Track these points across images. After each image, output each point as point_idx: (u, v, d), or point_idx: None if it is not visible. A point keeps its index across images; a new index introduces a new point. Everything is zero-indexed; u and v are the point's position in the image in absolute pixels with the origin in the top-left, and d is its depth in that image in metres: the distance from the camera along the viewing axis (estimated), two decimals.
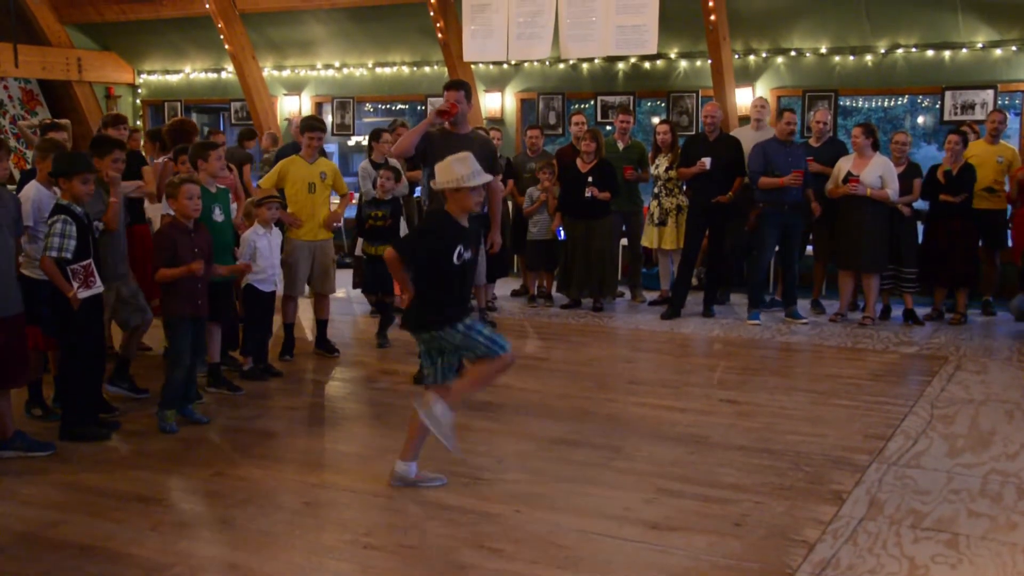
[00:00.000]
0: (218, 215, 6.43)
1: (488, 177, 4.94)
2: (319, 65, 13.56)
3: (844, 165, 8.94)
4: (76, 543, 4.30)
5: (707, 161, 9.12)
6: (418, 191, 10.82)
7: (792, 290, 9.28)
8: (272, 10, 12.87)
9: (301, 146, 7.88)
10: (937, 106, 10.59)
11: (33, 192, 5.88)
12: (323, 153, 8.63)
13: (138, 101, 15.28)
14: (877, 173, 8.73)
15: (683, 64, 11.43)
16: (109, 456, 5.50)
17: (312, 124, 7.78)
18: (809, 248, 9.63)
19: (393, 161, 9.28)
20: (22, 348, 5.42)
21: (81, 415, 5.74)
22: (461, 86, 6.74)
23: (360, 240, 8.74)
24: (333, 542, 4.29)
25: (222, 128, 16.10)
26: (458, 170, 4.67)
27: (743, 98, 10.97)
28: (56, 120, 8.22)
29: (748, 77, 11.06)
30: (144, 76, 15.14)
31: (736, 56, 10.99)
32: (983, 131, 9.50)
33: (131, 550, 4.22)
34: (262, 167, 11.51)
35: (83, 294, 5.54)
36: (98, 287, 5.64)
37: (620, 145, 10.06)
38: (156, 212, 7.12)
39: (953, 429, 5.90)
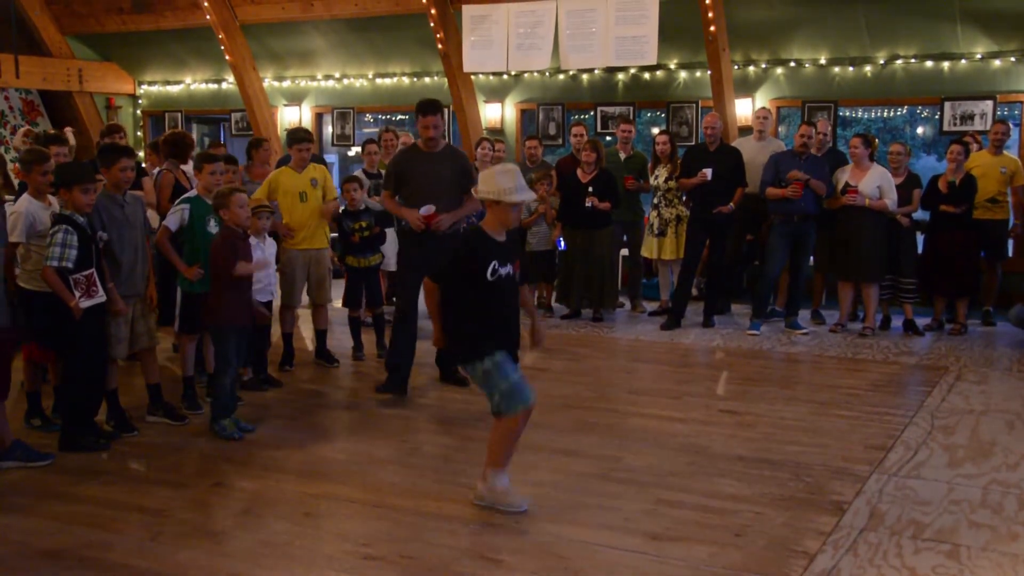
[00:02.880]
0: (212, 227, 6.41)
1: (531, 195, 4.82)
2: (319, 76, 13.59)
3: (842, 176, 8.96)
4: (75, 554, 4.29)
5: (708, 172, 9.14)
6: None
7: (796, 301, 9.29)
8: (273, 21, 12.90)
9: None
10: (936, 117, 10.61)
11: (25, 205, 5.83)
12: (318, 161, 8.61)
13: (139, 112, 15.30)
14: (875, 183, 8.75)
15: (683, 75, 11.45)
16: (108, 467, 5.49)
17: (299, 136, 7.76)
18: (809, 258, 9.64)
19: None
20: (6, 362, 5.41)
21: (81, 426, 5.73)
22: (437, 109, 6.76)
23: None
24: (333, 552, 4.29)
25: (223, 139, 16.12)
26: (502, 182, 4.51)
27: (743, 109, 10.99)
28: (58, 133, 8.20)
29: (748, 88, 11.08)
30: (145, 87, 15.17)
31: (736, 67, 11.01)
32: (985, 142, 9.52)
33: (130, 561, 4.21)
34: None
35: (85, 303, 5.53)
36: (100, 296, 5.63)
37: (622, 155, 10.07)
38: (154, 221, 7.12)
39: (953, 439, 5.89)
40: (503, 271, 4.58)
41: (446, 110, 12.35)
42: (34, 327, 5.84)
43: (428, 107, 6.73)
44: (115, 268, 5.88)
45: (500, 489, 4.69)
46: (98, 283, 5.59)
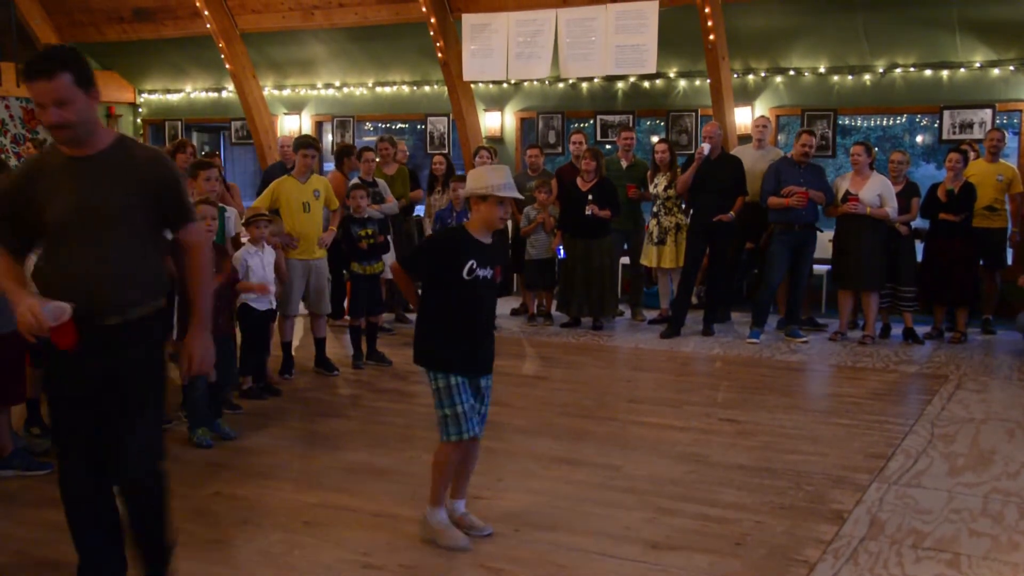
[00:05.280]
0: None
1: (519, 195, 4.41)
2: (319, 84, 13.61)
3: (842, 184, 8.97)
4: (74, 562, 4.26)
5: (705, 147, 9.17)
6: (420, 210, 10.88)
7: (796, 309, 9.29)
8: (273, 30, 12.93)
9: (290, 166, 7.90)
10: (936, 125, 10.62)
11: None
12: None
13: (139, 120, 15.32)
14: (876, 192, 8.76)
15: (682, 83, 11.47)
16: None
17: (306, 142, 7.82)
18: (810, 267, 9.64)
19: (381, 182, 9.34)
20: (19, 365, 5.42)
21: None
22: (60, 65, 3.29)
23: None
24: (332, 561, 4.27)
25: (222, 147, 16.16)
26: (490, 178, 4.31)
27: (742, 117, 11.00)
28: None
29: (747, 96, 11.10)
30: (145, 95, 15.19)
31: (735, 75, 11.03)
32: (982, 150, 9.53)
33: (129, 570, 4.19)
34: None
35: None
36: None
37: (623, 163, 10.08)
38: None
39: (954, 448, 5.89)
40: (481, 272, 4.31)
41: (446, 118, 12.65)
42: None
43: (35, 66, 3.32)
44: None
45: (433, 525, 4.43)
46: None
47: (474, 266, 4.28)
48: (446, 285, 4.31)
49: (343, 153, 9.27)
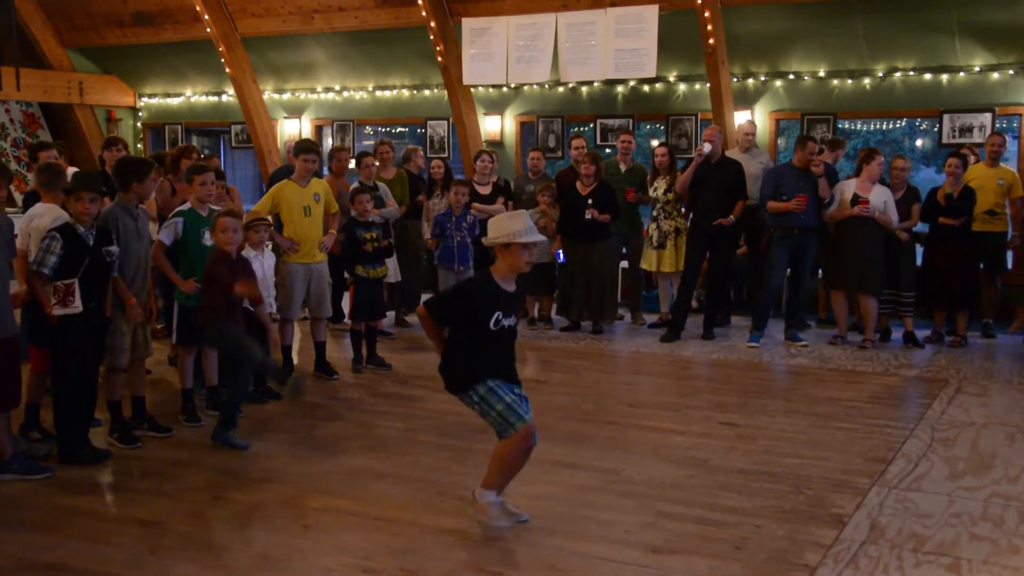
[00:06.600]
0: (207, 239, 6.42)
1: (542, 237, 4.63)
2: (319, 88, 13.61)
3: (847, 188, 8.97)
4: (74, 567, 4.28)
5: (706, 146, 9.17)
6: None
7: (796, 313, 9.28)
8: (273, 34, 12.93)
9: (295, 169, 7.90)
10: (935, 129, 10.62)
11: (54, 214, 5.91)
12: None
13: (139, 124, 15.33)
14: (882, 199, 8.78)
15: (682, 87, 11.47)
16: (107, 479, 5.48)
17: (307, 146, 7.82)
18: (808, 271, 9.63)
19: (382, 186, 9.35)
20: (15, 370, 5.41)
21: (76, 438, 5.70)
22: None
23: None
24: (333, 565, 4.27)
25: (223, 151, 16.16)
26: (511, 225, 4.49)
27: (742, 121, 10.99)
28: (45, 141, 8.29)
29: (747, 100, 11.09)
30: (145, 99, 15.19)
31: (735, 79, 11.03)
32: (983, 154, 9.54)
33: (129, 574, 4.20)
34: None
35: (58, 311, 5.49)
36: (75, 308, 5.51)
37: (622, 167, 10.08)
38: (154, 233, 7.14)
39: (954, 452, 5.89)
40: (506, 323, 4.54)
41: (446, 122, 12.67)
42: (45, 337, 5.84)
43: None
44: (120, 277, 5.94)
45: (483, 504, 4.64)
46: (76, 294, 5.50)
47: (500, 317, 4.50)
48: (473, 332, 4.52)
49: (328, 156, 9.35)
